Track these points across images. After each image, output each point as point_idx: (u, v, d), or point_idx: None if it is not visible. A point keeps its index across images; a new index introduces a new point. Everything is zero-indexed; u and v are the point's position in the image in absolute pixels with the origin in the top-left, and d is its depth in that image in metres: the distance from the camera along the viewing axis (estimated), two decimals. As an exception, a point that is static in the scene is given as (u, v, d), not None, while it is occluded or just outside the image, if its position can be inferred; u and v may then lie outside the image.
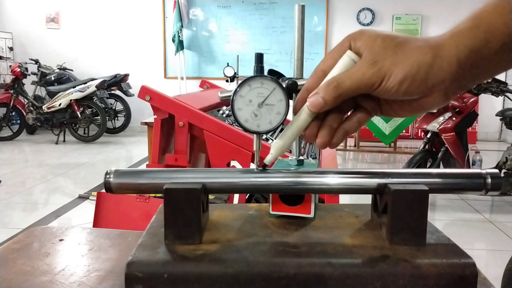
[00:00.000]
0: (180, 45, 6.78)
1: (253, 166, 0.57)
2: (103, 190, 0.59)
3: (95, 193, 3.01)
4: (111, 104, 6.92)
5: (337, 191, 0.55)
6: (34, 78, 6.63)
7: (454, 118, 3.45)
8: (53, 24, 7.25)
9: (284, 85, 0.50)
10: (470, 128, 3.96)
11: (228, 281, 0.45)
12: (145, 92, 1.82)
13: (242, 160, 1.73)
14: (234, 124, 1.84)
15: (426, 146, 3.61)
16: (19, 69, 6.22)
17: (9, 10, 7.28)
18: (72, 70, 7.00)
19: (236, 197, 1.77)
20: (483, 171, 0.53)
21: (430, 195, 0.49)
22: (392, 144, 5.60)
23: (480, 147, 4.23)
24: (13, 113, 6.50)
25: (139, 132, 7.00)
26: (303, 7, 0.61)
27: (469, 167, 3.56)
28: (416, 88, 0.44)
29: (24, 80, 6.43)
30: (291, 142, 0.50)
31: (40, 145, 6.18)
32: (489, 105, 6.44)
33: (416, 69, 0.43)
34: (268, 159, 0.51)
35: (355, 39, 0.46)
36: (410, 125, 5.97)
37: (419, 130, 5.17)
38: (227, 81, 2.99)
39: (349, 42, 0.47)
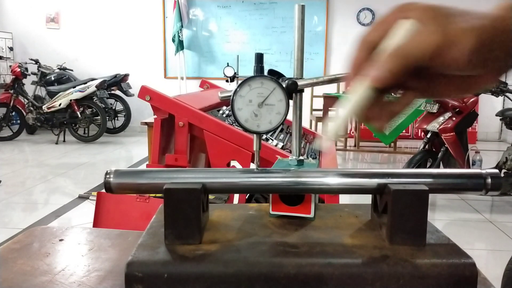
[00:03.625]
0: (180, 45, 6.78)
1: (253, 166, 0.57)
2: (103, 190, 0.59)
3: (95, 193, 3.01)
4: (111, 104, 6.92)
5: (337, 191, 0.55)
6: (34, 78, 6.63)
7: (454, 118, 3.45)
8: (53, 24, 7.25)
9: (284, 85, 0.50)
10: (470, 128, 3.96)
11: (228, 281, 0.45)
12: (145, 92, 1.82)
13: (242, 160, 1.73)
14: (234, 124, 1.83)
15: (426, 146, 3.61)
16: (19, 69, 6.22)
17: (9, 10, 7.28)
18: (72, 70, 7.00)
19: (236, 197, 1.77)
20: (483, 171, 0.52)
21: (430, 195, 0.49)
22: (392, 144, 5.60)
23: (480, 147, 4.23)
24: (13, 113, 6.50)
25: (139, 132, 7.00)
26: (303, 7, 0.61)
27: (469, 167, 3.56)
28: (481, 61, 0.42)
29: (24, 80, 6.43)
30: (347, 123, 0.45)
31: (40, 145, 6.18)
32: (489, 105, 6.44)
33: (484, 38, 0.41)
34: (327, 138, 0.45)
35: (407, 10, 0.43)
36: (410, 125, 5.97)
37: (419, 130, 5.17)
38: (227, 81, 2.99)
39: (399, 13, 0.43)
